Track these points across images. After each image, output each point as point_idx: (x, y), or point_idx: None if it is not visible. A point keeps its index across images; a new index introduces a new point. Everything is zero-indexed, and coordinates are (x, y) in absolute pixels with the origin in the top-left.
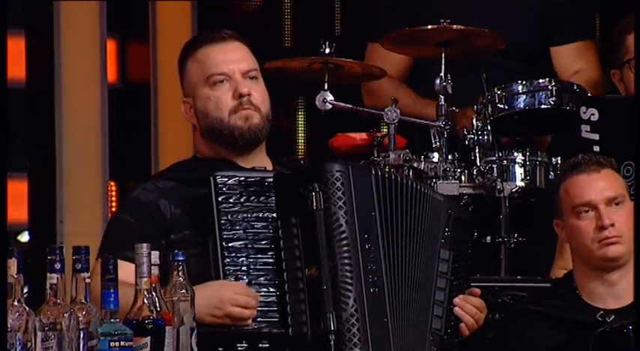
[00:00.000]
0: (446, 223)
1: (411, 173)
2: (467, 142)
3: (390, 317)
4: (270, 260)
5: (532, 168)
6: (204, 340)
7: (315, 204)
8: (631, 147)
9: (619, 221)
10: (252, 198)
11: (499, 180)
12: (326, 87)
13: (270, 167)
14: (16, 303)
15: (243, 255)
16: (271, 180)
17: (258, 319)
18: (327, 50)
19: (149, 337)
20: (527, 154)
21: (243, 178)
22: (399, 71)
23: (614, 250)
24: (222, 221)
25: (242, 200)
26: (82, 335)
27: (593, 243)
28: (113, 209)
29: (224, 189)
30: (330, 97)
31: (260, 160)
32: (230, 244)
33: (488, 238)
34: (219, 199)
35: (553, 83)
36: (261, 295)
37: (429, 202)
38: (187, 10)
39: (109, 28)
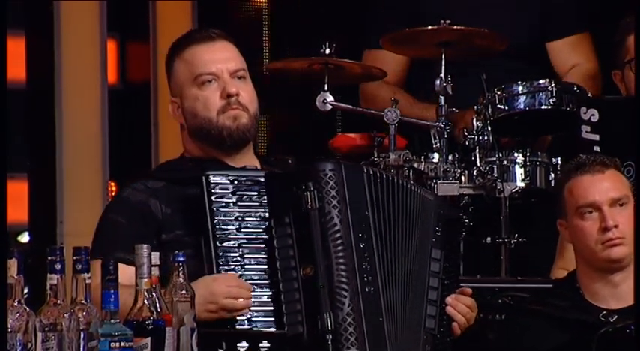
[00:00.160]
0: (436, 222)
1: (411, 174)
2: (467, 143)
3: (386, 316)
4: (264, 259)
5: (532, 168)
6: (205, 341)
7: (309, 203)
8: (631, 147)
9: (623, 222)
10: (245, 197)
11: (499, 180)
12: (326, 87)
13: (258, 167)
14: (16, 303)
15: (237, 254)
16: (263, 179)
17: (253, 319)
18: (328, 51)
19: (149, 338)
20: (528, 154)
21: (235, 178)
22: (395, 76)
23: (617, 251)
24: (216, 221)
25: (234, 199)
26: (82, 336)
27: (597, 244)
28: None
29: (216, 188)
30: (330, 98)
31: (248, 160)
32: (224, 244)
33: (489, 238)
34: (212, 198)
35: (553, 84)
36: (255, 295)
37: (419, 201)
38: (188, 10)
39: (109, 28)
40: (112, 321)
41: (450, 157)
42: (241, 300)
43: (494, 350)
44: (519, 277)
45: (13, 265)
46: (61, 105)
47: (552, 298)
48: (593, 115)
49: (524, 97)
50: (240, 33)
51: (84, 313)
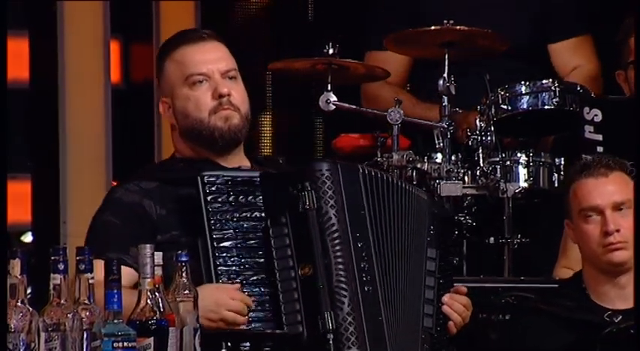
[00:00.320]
0: (431, 221)
1: (414, 174)
2: (470, 143)
3: (385, 316)
4: (262, 260)
5: (535, 169)
6: (208, 341)
7: (307, 203)
8: (634, 148)
9: (625, 226)
10: (241, 197)
11: (502, 181)
12: (329, 88)
13: (249, 166)
14: (19, 304)
15: (235, 255)
16: (259, 179)
17: (252, 319)
18: (331, 51)
19: (152, 338)
20: (531, 154)
21: (230, 178)
22: (397, 77)
23: (618, 255)
24: (212, 221)
25: (230, 200)
26: (85, 336)
27: (599, 247)
28: None
29: (212, 189)
30: (333, 98)
31: (239, 160)
32: (221, 245)
33: (492, 238)
34: (208, 198)
35: (556, 84)
36: (254, 295)
37: (414, 201)
38: (191, 10)
39: (112, 28)
40: (115, 321)
41: (453, 158)
42: (241, 317)
43: (498, 350)
44: (522, 277)
45: (16, 265)
46: (65, 105)
47: (558, 299)
48: (596, 115)
49: (528, 97)
50: (243, 33)
51: (87, 313)
